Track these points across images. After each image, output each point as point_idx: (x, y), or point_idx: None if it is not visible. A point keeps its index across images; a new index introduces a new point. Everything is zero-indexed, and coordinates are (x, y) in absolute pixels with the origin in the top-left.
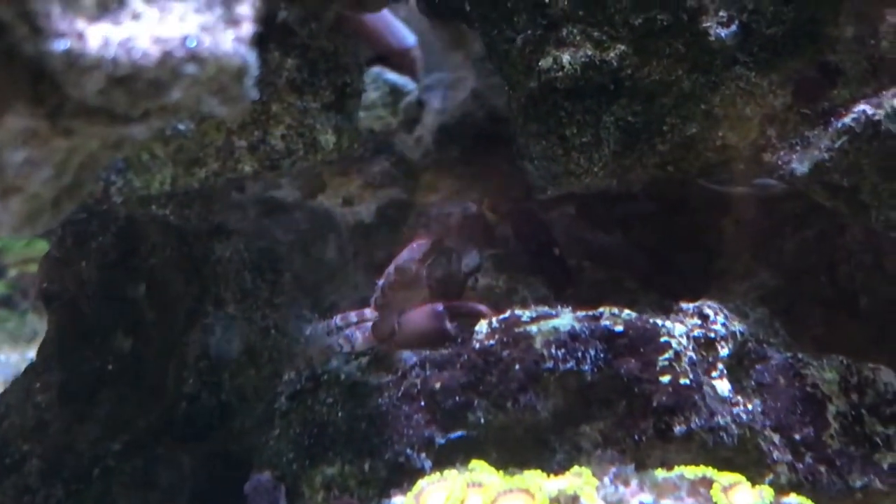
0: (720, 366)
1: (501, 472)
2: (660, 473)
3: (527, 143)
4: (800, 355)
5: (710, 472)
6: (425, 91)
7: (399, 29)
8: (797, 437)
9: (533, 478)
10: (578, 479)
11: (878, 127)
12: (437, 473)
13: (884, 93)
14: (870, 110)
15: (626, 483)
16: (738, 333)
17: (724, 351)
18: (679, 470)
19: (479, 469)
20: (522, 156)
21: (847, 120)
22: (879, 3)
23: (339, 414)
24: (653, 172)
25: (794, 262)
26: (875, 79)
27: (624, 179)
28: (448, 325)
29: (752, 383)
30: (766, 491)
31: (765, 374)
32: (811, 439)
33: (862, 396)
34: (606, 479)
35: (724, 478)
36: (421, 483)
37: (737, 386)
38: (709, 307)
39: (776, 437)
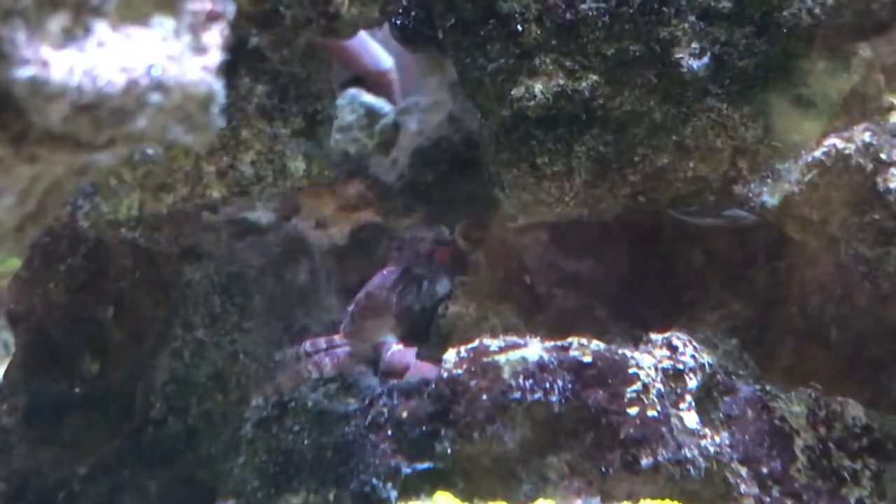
0: (688, 398)
1: (467, 503)
2: None
3: (498, 171)
4: (768, 387)
5: None
6: (401, 114)
7: (376, 51)
8: (764, 470)
9: None
10: None
11: (848, 161)
12: None
13: (854, 127)
14: (840, 144)
15: None
16: (706, 365)
17: (692, 383)
18: (645, 503)
19: (444, 500)
20: (494, 184)
21: (817, 153)
22: (852, 38)
23: (305, 442)
24: (624, 202)
25: (765, 293)
26: (846, 112)
27: (595, 209)
28: None
29: (720, 415)
30: None
31: (733, 407)
32: (778, 472)
33: (830, 430)
34: None
35: None
36: None
37: (705, 418)
38: (678, 338)
39: (743, 470)
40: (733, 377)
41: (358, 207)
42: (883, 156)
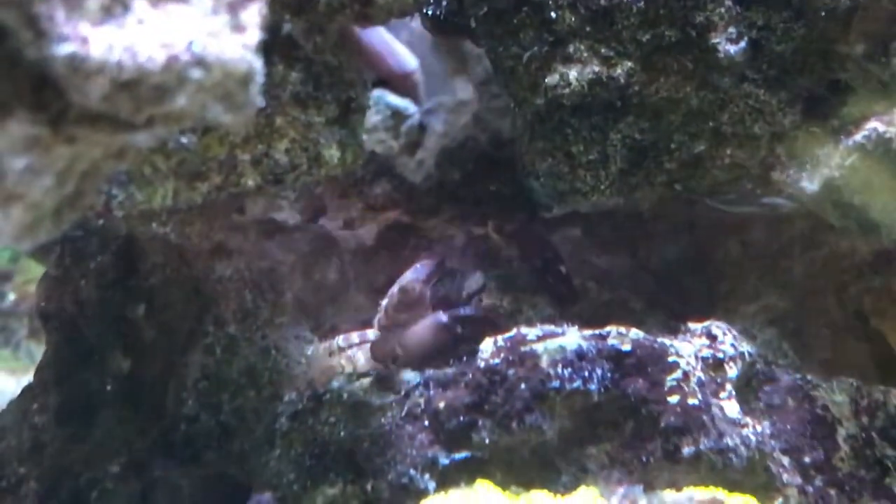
0: (729, 387)
1: (507, 492)
2: (669, 494)
3: (533, 160)
4: (809, 377)
5: (720, 493)
6: (427, 114)
7: (401, 52)
8: (807, 459)
9: (539, 498)
10: (587, 499)
11: (889, 144)
12: (441, 494)
13: (895, 110)
14: (881, 128)
15: None
16: (746, 354)
17: (732, 372)
18: (688, 491)
19: (484, 489)
20: (528, 173)
21: (858, 137)
22: (890, 21)
23: (342, 434)
24: (660, 191)
25: (803, 283)
26: (885, 96)
27: (631, 198)
28: (459, 329)
29: (761, 405)
30: None
31: (774, 396)
32: (821, 462)
33: (872, 419)
34: (615, 500)
35: (734, 499)
36: None
37: (745, 407)
38: (717, 327)
39: (786, 460)
40: (773, 366)
41: (385, 207)
42: None
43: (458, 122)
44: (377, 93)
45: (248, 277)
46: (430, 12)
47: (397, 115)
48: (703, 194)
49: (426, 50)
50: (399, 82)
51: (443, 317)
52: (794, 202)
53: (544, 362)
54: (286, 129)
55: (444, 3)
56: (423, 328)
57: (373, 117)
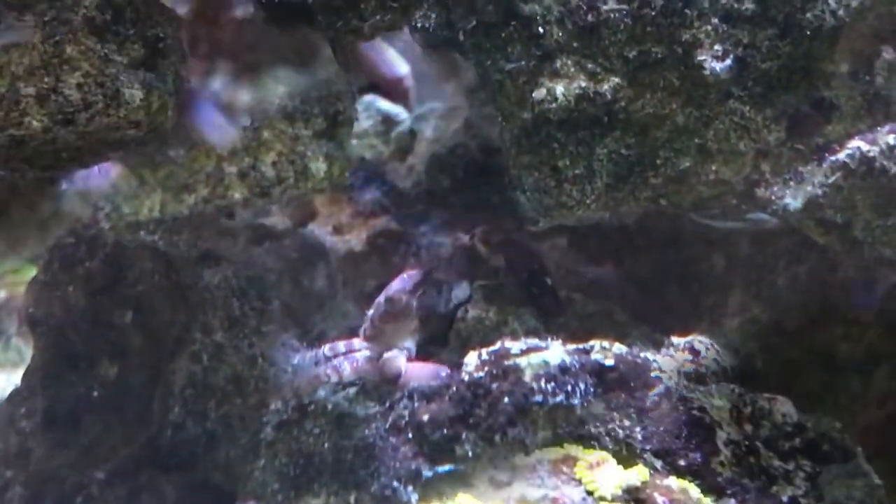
0: None
1: None
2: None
3: (519, 174)
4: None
5: (575, 450)
6: (417, 120)
7: (392, 58)
8: (682, 462)
9: None
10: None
11: (872, 163)
12: None
13: (878, 129)
14: (864, 147)
15: None
16: (729, 369)
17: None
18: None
19: (466, 502)
20: (514, 187)
21: (841, 156)
22: (874, 40)
23: (326, 445)
24: (645, 206)
25: (787, 297)
26: (870, 115)
27: (616, 212)
28: None
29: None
30: (639, 471)
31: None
32: (698, 464)
33: (757, 428)
34: None
35: (590, 455)
36: None
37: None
38: (700, 342)
39: (658, 463)
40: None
41: (374, 214)
42: None
43: (448, 129)
44: (368, 98)
45: (236, 285)
46: (419, 24)
47: (388, 121)
48: (688, 209)
49: (418, 56)
50: (390, 88)
51: (444, 370)
52: (778, 218)
53: (527, 376)
54: (273, 143)
55: (434, 16)
56: (426, 371)
57: (364, 122)
